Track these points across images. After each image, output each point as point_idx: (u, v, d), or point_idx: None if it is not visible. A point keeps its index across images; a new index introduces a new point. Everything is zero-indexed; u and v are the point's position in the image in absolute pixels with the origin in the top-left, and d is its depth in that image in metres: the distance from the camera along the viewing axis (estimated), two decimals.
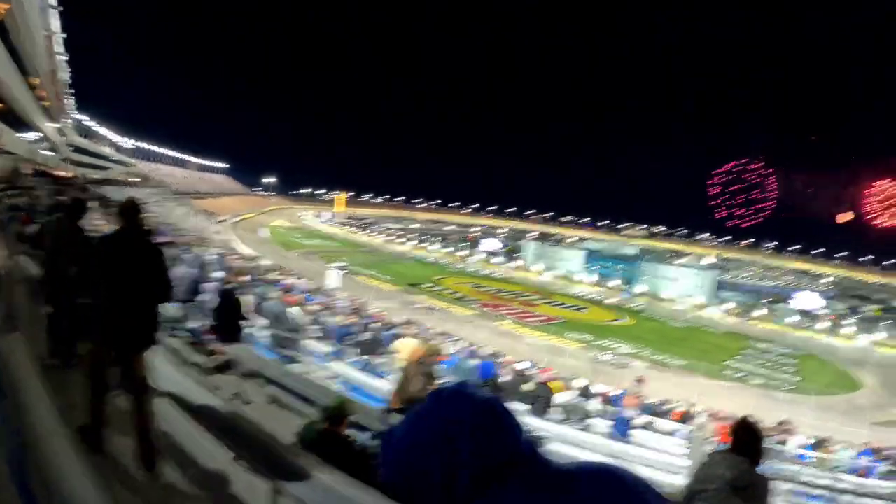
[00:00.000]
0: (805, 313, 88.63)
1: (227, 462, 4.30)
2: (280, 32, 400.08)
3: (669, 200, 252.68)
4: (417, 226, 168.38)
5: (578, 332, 60.32)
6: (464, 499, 1.31)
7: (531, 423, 12.91)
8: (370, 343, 18.06)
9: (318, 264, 73.47)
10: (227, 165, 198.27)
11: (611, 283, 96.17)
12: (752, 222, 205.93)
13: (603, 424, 15.00)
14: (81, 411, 4.46)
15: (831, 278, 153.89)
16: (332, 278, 53.77)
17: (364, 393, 11.55)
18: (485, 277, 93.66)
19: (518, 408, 14.23)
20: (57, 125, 68.39)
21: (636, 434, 14.98)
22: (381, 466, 1.55)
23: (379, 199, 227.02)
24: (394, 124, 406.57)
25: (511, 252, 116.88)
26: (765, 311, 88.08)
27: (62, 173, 49.93)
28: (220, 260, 28.72)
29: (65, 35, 56.51)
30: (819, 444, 21.43)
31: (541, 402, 14.35)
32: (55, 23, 52.53)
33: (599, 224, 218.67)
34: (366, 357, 16.67)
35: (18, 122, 45.85)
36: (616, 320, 73.51)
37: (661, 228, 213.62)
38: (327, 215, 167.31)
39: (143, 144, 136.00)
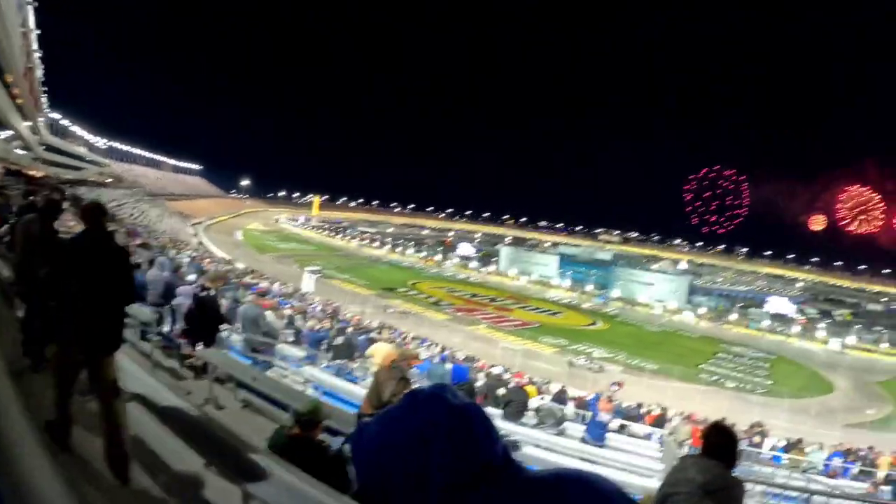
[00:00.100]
0: (778, 317, 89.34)
1: (198, 467, 4.26)
2: (258, 33, 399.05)
3: (643, 206, 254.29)
4: (393, 230, 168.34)
5: (553, 337, 60.51)
6: (436, 503, 1.30)
7: (505, 427, 12.91)
8: (343, 347, 18.00)
9: (293, 268, 73.40)
10: (202, 167, 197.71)
11: (586, 288, 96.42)
12: (726, 229, 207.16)
13: (578, 428, 15.01)
14: (50, 412, 4.42)
15: (803, 283, 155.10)
16: (307, 282, 53.66)
17: (338, 398, 11.48)
18: (460, 282, 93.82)
19: (492, 412, 14.24)
20: (30, 124, 67.65)
21: (611, 438, 15.00)
22: (353, 465, 1.54)
23: (354, 203, 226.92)
24: (370, 129, 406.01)
25: (486, 257, 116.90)
26: (738, 315, 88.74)
27: (35, 173, 49.46)
28: (194, 263, 28.54)
29: (39, 31, 55.81)
30: (792, 446, 21.57)
31: (514, 406, 14.34)
32: (31, 19, 51.88)
33: (574, 229, 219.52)
34: (339, 361, 16.62)
35: None
36: (591, 325, 73.79)
37: (636, 234, 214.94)
38: (302, 219, 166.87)
39: (118, 144, 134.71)
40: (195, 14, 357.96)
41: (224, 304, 15.09)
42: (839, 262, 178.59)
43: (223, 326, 12.16)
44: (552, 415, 14.85)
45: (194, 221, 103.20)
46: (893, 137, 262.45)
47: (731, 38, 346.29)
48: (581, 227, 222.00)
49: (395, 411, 1.47)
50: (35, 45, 58.54)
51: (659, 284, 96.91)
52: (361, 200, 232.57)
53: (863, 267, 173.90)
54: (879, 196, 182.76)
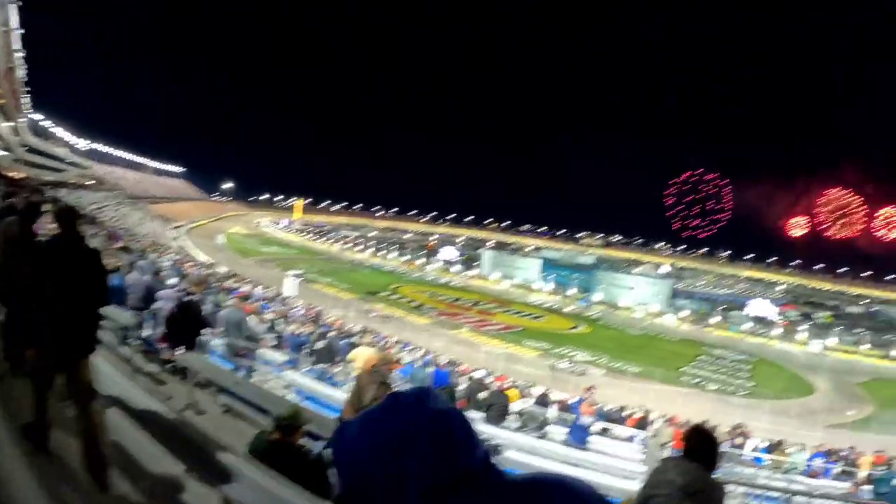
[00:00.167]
0: (759, 320, 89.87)
1: (178, 473, 4.24)
2: (244, 35, 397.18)
3: (626, 210, 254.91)
4: (375, 233, 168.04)
5: (536, 341, 60.55)
6: None
7: (487, 430, 12.91)
8: (325, 352, 17.95)
9: (275, 272, 73.13)
10: (184, 169, 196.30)
11: (568, 292, 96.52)
12: (708, 233, 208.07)
13: (560, 432, 15.03)
14: (29, 416, 4.39)
15: (784, 286, 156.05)
16: (289, 286, 53.48)
17: (319, 402, 11.45)
18: (442, 286, 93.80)
19: (474, 416, 14.25)
20: (11, 124, 67.20)
21: (593, 440, 15.03)
22: (334, 464, 1.54)
23: (337, 207, 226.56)
24: (353, 132, 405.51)
25: (469, 261, 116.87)
26: (719, 318, 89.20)
27: (15, 175, 49.14)
28: (175, 267, 28.40)
29: (23, 31, 55.24)
30: (774, 447, 21.70)
31: (496, 409, 14.35)
32: (14, 18, 51.43)
33: (557, 233, 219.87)
34: (321, 366, 16.58)
35: None
36: (573, 328, 73.93)
37: (618, 238, 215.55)
38: (285, 222, 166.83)
39: (99, 146, 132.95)
40: (181, 15, 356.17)
41: (207, 308, 15.04)
42: (820, 265, 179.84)
43: (205, 331, 12.08)
44: (534, 418, 14.88)
45: (176, 225, 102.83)
46: (876, 140, 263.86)
47: (714, 43, 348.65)
48: (563, 230, 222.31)
49: (376, 412, 1.45)
50: (18, 45, 58.09)
51: (641, 288, 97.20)
52: (344, 204, 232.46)
53: (843, 270, 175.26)
54: (860, 199, 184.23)
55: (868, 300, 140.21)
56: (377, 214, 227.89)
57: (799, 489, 12.96)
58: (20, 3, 49.83)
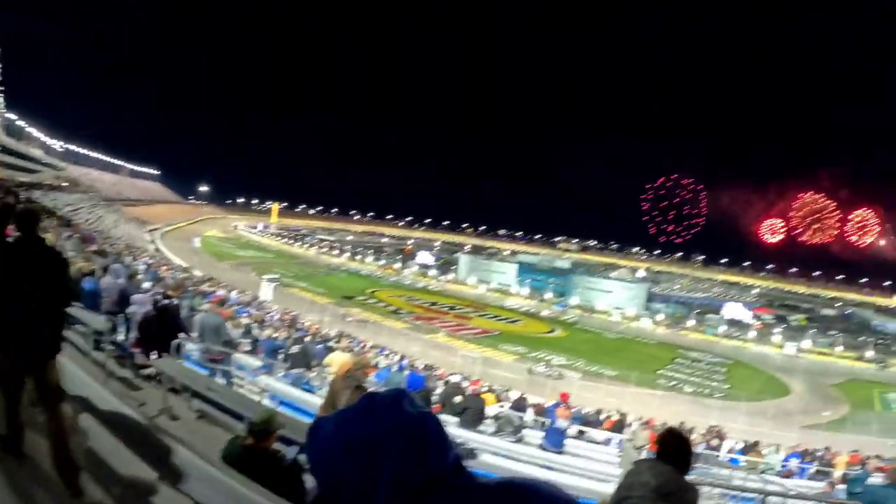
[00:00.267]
0: (734, 323, 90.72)
1: (151, 479, 4.20)
2: (220, 39, 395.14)
3: (602, 215, 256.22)
4: (352, 238, 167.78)
5: (512, 345, 60.72)
6: None
7: (463, 435, 12.89)
8: (300, 356, 17.87)
9: (251, 276, 72.88)
10: (160, 172, 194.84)
11: (544, 296, 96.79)
12: (683, 238, 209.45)
13: (536, 435, 15.03)
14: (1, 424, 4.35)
15: (759, 289, 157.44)
16: (265, 290, 53.29)
17: (295, 407, 11.40)
18: (419, 290, 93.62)
19: (449, 420, 14.23)
20: None
21: (570, 444, 15.04)
22: (308, 463, 1.54)
23: (314, 211, 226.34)
24: (330, 136, 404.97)
25: (445, 265, 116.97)
26: (695, 321, 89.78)
27: None
28: (151, 270, 28.21)
29: None
30: (749, 448, 21.82)
31: (470, 413, 14.32)
32: None
33: (533, 238, 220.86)
34: (296, 371, 16.50)
35: None
36: (550, 332, 74.06)
37: (594, 242, 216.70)
38: (261, 226, 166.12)
39: (74, 147, 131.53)
40: (158, 17, 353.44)
41: (183, 313, 14.93)
42: (794, 269, 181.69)
43: (182, 335, 11.98)
44: (510, 422, 14.85)
45: (151, 228, 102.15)
46: (851, 145, 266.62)
47: (681, 59, 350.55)
48: (540, 235, 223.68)
49: (351, 412, 1.45)
50: None
51: (617, 292, 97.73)
52: (321, 208, 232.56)
53: (817, 273, 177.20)
54: (834, 204, 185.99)
55: (842, 303, 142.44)
56: (354, 218, 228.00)
57: (774, 490, 13.02)
58: None
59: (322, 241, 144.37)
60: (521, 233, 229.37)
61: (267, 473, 4.32)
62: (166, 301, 12.22)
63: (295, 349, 18.77)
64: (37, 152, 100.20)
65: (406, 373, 20.02)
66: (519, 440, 14.38)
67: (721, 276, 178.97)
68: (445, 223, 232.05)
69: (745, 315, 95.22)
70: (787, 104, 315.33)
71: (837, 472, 17.63)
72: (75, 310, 10.19)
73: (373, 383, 13.84)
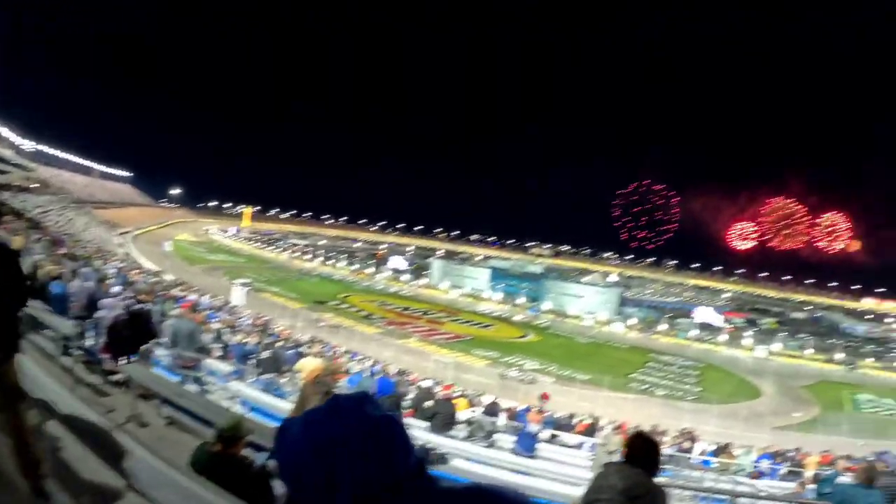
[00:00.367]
0: (706, 327, 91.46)
1: (119, 487, 4.17)
2: (190, 37, 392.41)
3: (574, 220, 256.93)
4: (324, 242, 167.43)
5: (485, 350, 60.69)
6: None
7: (434, 440, 12.88)
8: (271, 361, 17.79)
9: (223, 280, 72.62)
10: (131, 174, 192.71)
11: (517, 301, 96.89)
12: (655, 245, 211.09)
13: (508, 440, 15.06)
14: None
15: (730, 294, 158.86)
16: (237, 295, 53.08)
17: (266, 413, 11.34)
18: (392, 295, 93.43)
19: (419, 424, 14.23)
20: None
21: (542, 448, 15.08)
22: (276, 463, 1.54)
23: (286, 215, 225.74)
24: (303, 140, 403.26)
25: (418, 270, 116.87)
26: (667, 325, 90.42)
27: None
28: (121, 274, 27.98)
29: None
30: (721, 450, 21.96)
31: (440, 418, 14.32)
32: None
33: (506, 243, 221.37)
34: (267, 376, 16.42)
35: None
36: (522, 337, 74.19)
37: (567, 247, 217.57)
38: (233, 230, 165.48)
39: (45, 148, 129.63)
40: (130, 17, 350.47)
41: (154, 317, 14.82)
42: (764, 274, 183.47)
43: (153, 341, 11.88)
44: (482, 427, 14.89)
45: (122, 231, 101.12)
46: (822, 150, 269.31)
47: (653, 65, 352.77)
48: (512, 240, 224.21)
49: (316, 414, 1.45)
50: None
51: (589, 297, 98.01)
52: (293, 212, 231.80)
53: (787, 277, 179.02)
54: (804, 209, 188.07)
55: (811, 306, 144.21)
56: (327, 223, 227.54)
57: (744, 491, 13.11)
58: None
59: (294, 245, 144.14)
60: (493, 238, 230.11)
61: (235, 480, 4.30)
62: (138, 306, 12.13)
63: (266, 354, 18.70)
64: (6, 152, 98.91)
65: (376, 378, 20.00)
66: (491, 445, 14.42)
67: (692, 281, 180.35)
68: (418, 228, 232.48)
69: (716, 319, 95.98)
70: (760, 109, 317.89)
71: (808, 473, 17.79)
72: (43, 314, 10.11)
73: (344, 388, 13.80)
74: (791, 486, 15.26)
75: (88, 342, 11.33)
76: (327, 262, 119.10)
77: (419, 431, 13.56)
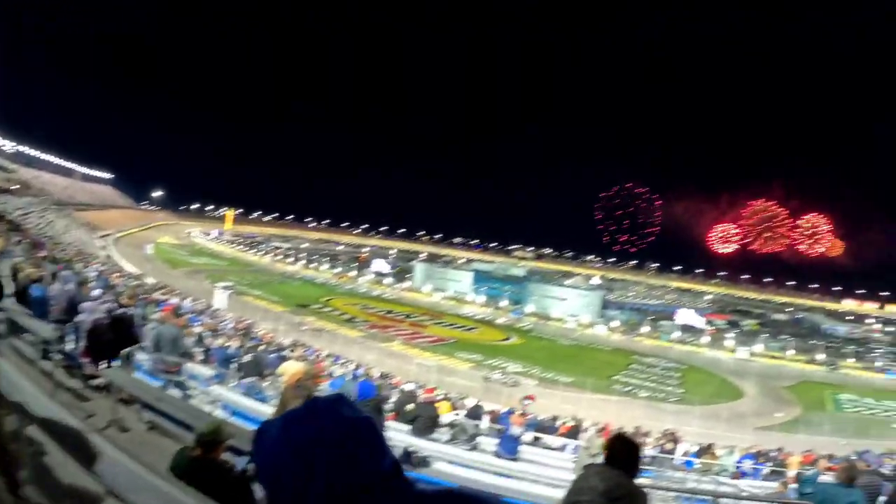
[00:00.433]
0: (688, 329, 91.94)
1: (99, 492, 4.14)
2: (171, 37, 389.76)
3: (557, 223, 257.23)
4: (307, 245, 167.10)
5: (468, 353, 60.83)
6: None
7: (416, 443, 12.87)
8: (252, 365, 17.74)
9: (205, 284, 72.35)
10: (113, 176, 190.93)
11: (500, 304, 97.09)
12: (637, 248, 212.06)
13: (492, 443, 15.06)
14: None
15: (712, 296, 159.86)
16: (219, 299, 52.94)
17: (248, 417, 11.31)
18: (375, 298, 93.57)
19: (401, 428, 14.23)
20: None
21: (525, 450, 15.11)
22: (255, 466, 1.56)
23: (268, 217, 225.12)
24: (285, 142, 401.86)
25: (401, 273, 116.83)
26: (649, 328, 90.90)
27: None
28: (102, 277, 27.83)
29: None
30: (704, 451, 22.04)
31: (422, 421, 14.31)
32: None
33: (489, 246, 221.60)
34: (249, 380, 16.37)
35: None
36: (505, 340, 74.40)
37: (549, 250, 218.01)
38: (215, 232, 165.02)
39: (26, 149, 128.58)
40: (110, 17, 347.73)
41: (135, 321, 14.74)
42: (746, 276, 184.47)
43: (136, 346, 11.81)
44: (465, 430, 14.88)
45: (103, 233, 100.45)
46: (804, 152, 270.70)
47: (633, 67, 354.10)
48: (495, 243, 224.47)
49: (294, 415, 1.46)
50: None
51: (572, 299, 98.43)
52: (276, 215, 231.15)
53: (768, 279, 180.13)
54: (785, 211, 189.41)
55: (792, 308, 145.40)
56: (309, 226, 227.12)
57: (726, 491, 13.18)
58: None
59: (277, 248, 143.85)
60: (476, 241, 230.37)
61: (215, 484, 4.28)
62: (121, 311, 12.05)
63: (247, 358, 18.64)
64: None
65: (358, 381, 19.99)
66: (474, 448, 14.41)
67: (674, 284, 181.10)
68: (401, 231, 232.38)
69: (698, 321, 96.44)
70: (746, 112, 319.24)
71: (791, 472, 17.90)
72: (22, 317, 10.05)
73: (326, 392, 13.77)
74: (774, 485, 15.36)
75: (69, 346, 11.26)
76: (310, 266, 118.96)
77: (401, 435, 13.56)
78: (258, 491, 4.61)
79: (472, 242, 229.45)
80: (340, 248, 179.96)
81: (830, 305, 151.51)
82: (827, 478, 11.38)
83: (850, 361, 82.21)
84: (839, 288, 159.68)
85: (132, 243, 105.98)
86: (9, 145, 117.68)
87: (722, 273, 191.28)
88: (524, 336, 78.36)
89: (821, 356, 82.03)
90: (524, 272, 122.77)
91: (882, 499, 9.94)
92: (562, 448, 19.07)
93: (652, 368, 66.76)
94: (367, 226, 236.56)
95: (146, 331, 14.00)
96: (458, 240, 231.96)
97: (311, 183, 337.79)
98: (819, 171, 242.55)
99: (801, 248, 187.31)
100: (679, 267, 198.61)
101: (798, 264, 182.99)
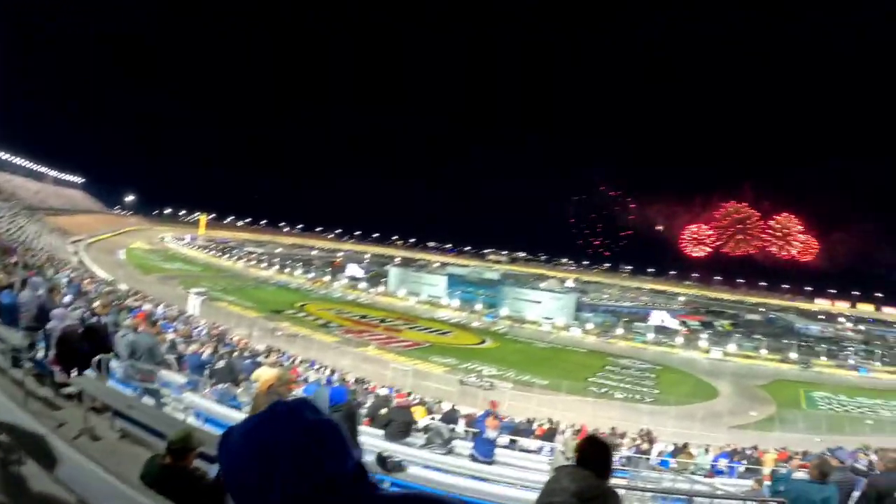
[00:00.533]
0: (662, 330, 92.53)
1: (71, 503, 4.10)
2: (144, 39, 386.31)
3: (531, 226, 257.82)
4: (281, 250, 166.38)
5: (443, 356, 61.05)
6: None
7: (389, 447, 12.84)
8: (225, 371, 17.66)
9: (178, 290, 71.98)
10: (84, 180, 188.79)
11: (475, 307, 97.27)
12: (611, 251, 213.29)
13: (467, 446, 15.05)
14: None
15: (685, 297, 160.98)
16: (192, 304, 52.65)
17: (222, 425, 11.21)
18: (349, 303, 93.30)
19: (376, 433, 14.22)
20: None
21: (501, 453, 15.12)
22: (220, 469, 1.56)
23: (242, 222, 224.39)
24: (258, 146, 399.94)
25: (375, 278, 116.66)
26: (624, 329, 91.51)
27: None
28: (73, 284, 27.59)
29: None
30: (679, 451, 22.18)
31: (395, 426, 14.30)
32: None
33: (463, 250, 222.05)
34: (223, 387, 16.28)
35: None
36: (481, 343, 74.57)
37: (523, 254, 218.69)
38: (189, 238, 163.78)
39: None
40: (82, 20, 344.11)
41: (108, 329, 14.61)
42: (718, 277, 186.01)
43: (108, 354, 11.69)
44: (440, 434, 14.86)
45: (75, 239, 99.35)
46: (777, 153, 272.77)
47: (608, 68, 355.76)
48: (469, 247, 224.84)
49: (256, 419, 1.46)
50: None
51: (546, 302, 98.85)
52: (249, 220, 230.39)
53: (741, 281, 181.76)
54: (758, 214, 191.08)
55: (765, 308, 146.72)
56: (283, 231, 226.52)
57: (701, 490, 13.25)
58: None
59: (251, 253, 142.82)
60: (450, 245, 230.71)
61: (186, 492, 4.25)
62: (94, 319, 11.95)
63: (221, 364, 18.54)
64: None
65: (329, 387, 19.91)
66: (449, 452, 14.39)
67: (648, 285, 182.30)
68: (375, 236, 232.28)
69: (672, 322, 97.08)
70: (713, 114, 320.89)
71: (766, 470, 18.03)
72: None
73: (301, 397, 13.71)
74: (749, 483, 15.46)
75: (39, 354, 11.15)
76: (284, 271, 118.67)
77: (376, 440, 13.54)
78: (230, 499, 4.57)
79: (446, 246, 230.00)
80: (314, 252, 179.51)
81: (803, 305, 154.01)
82: (800, 475, 11.47)
83: (823, 360, 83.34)
84: (811, 288, 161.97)
85: (104, 249, 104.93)
86: None
87: (695, 275, 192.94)
88: (499, 339, 78.48)
89: (794, 355, 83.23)
90: (498, 276, 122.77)
91: (856, 494, 10.03)
92: (538, 450, 19.12)
93: (627, 370, 67.21)
94: (340, 230, 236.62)
95: (117, 338, 13.87)
96: (432, 244, 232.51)
97: (285, 187, 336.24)
98: (790, 172, 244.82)
99: (773, 249, 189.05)
100: (652, 269, 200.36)
101: (771, 265, 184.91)
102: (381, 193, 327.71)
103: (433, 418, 19.91)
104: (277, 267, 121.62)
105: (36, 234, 73.22)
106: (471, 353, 65.45)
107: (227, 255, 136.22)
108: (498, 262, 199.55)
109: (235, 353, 25.22)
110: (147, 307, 33.07)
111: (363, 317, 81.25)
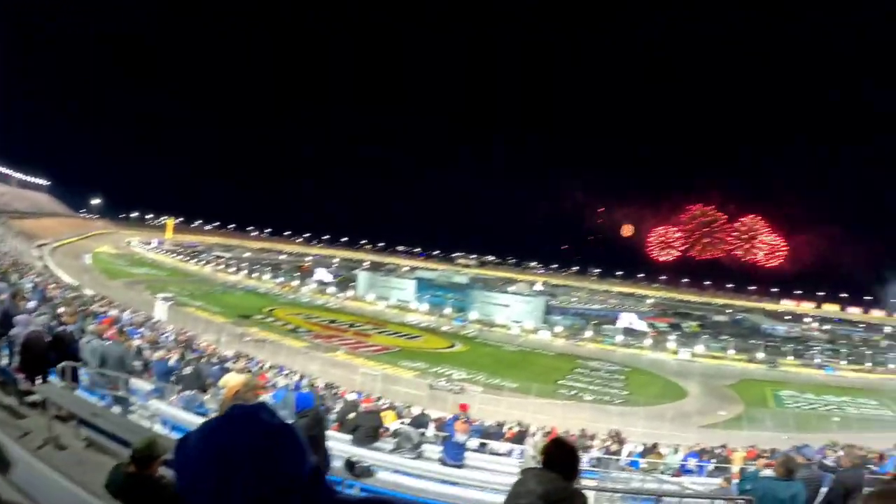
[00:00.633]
0: (630, 332, 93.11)
1: None
2: (114, 40, 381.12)
3: (499, 230, 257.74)
4: (249, 255, 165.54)
5: (413, 361, 60.93)
6: None
7: (358, 452, 12.79)
8: (192, 378, 17.51)
9: (145, 295, 71.42)
10: (49, 182, 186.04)
11: (444, 311, 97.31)
12: (578, 254, 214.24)
13: (437, 450, 15.04)
14: None
15: (653, 299, 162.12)
16: (159, 310, 52.29)
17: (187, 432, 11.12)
18: (318, 308, 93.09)
19: (343, 437, 14.18)
20: None
21: (471, 457, 15.11)
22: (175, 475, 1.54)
23: (210, 226, 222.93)
24: (225, 149, 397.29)
25: (344, 282, 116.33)
26: (592, 332, 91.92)
27: None
28: (38, 289, 27.29)
29: None
30: (649, 451, 22.32)
31: (363, 430, 14.26)
32: None
33: (431, 254, 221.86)
34: (189, 393, 16.15)
35: None
36: (450, 347, 74.61)
37: (492, 258, 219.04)
38: (156, 242, 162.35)
39: None
40: (52, 19, 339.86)
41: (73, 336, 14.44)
42: (686, 280, 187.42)
43: (75, 363, 11.55)
44: (409, 438, 14.84)
45: (40, 243, 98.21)
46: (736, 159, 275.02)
47: (575, 71, 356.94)
48: (438, 251, 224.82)
49: (212, 424, 1.45)
50: None
51: (516, 305, 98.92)
52: (217, 224, 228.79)
53: (708, 283, 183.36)
54: (724, 217, 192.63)
55: (732, 309, 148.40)
56: (251, 235, 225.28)
57: (670, 489, 13.31)
58: None
59: (219, 258, 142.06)
60: (419, 249, 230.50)
61: (150, 501, 4.21)
62: (61, 328, 11.81)
63: (188, 371, 18.39)
64: None
65: (306, 391, 19.82)
66: (419, 456, 14.37)
67: (616, 288, 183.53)
68: (343, 240, 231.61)
69: (640, 324, 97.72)
70: (683, 115, 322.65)
71: (735, 468, 18.19)
72: None
73: (270, 403, 13.63)
74: (717, 481, 15.57)
75: (3, 361, 11.01)
76: (252, 275, 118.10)
77: (344, 445, 13.48)
78: None
79: (414, 250, 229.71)
80: (283, 257, 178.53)
81: (769, 306, 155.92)
82: (767, 473, 11.57)
83: (790, 359, 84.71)
84: (777, 289, 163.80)
85: (70, 253, 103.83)
86: None
87: (663, 277, 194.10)
88: (469, 343, 78.56)
89: (761, 355, 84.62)
90: (467, 279, 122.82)
91: (823, 489, 10.14)
92: (508, 453, 19.16)
93: (596, 372, 67.64)
94: (308, 235, 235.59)
95: (83, 344, 13.71)
96: (400, 248, 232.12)
97: (253, 191, 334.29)
98: (755, 173, 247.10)
99: (739, 253, 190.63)
100: (620, 272, 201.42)
101: (738, 267, 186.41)
102: (349, 197, 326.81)
103: (402, 422, 19.90)
104: (245, 271, 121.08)
105: (0, 238, 72.38)
106: (440, 357, 65.39)
107: (195, 260, 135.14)
108: (467, 265, 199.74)
109: (203, 359, 24.99)
110: (113, 313, 32.76)
111: (332, 321, 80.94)
